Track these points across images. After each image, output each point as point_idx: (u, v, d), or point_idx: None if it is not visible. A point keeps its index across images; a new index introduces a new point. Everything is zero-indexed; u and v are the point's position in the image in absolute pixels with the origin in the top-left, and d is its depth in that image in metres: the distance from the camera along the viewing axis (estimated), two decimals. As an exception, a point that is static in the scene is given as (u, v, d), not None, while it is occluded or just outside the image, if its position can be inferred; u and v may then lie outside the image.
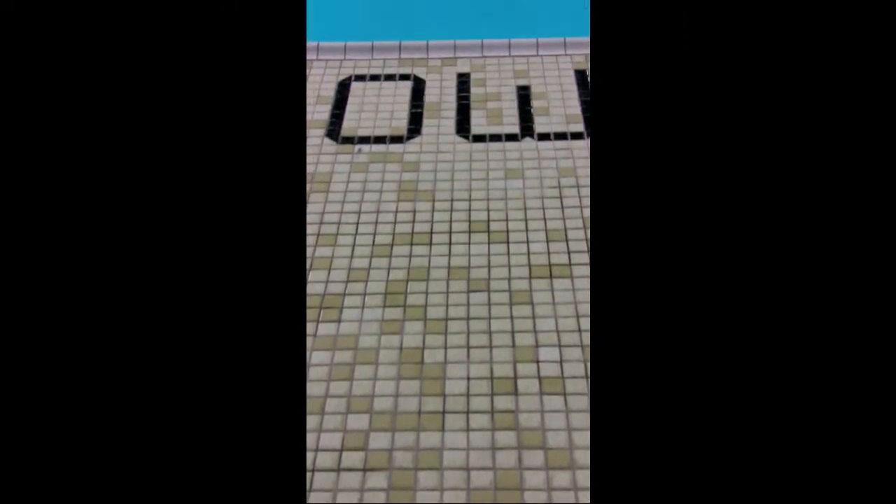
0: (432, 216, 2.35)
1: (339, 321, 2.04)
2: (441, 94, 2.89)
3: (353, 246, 2.26)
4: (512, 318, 2.03)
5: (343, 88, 2.92)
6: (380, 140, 2.67)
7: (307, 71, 3.00)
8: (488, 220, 2.33)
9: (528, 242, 2.25)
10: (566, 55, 3.04)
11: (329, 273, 2.18)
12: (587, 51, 3.01)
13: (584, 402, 1.83)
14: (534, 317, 2.03)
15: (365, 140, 2.67)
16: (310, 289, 2.13)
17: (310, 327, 2.03)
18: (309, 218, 2.35)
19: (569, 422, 1.80)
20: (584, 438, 1.76)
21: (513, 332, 2.00)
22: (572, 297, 2.09)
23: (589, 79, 2.90)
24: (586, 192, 2.39)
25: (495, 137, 2.67)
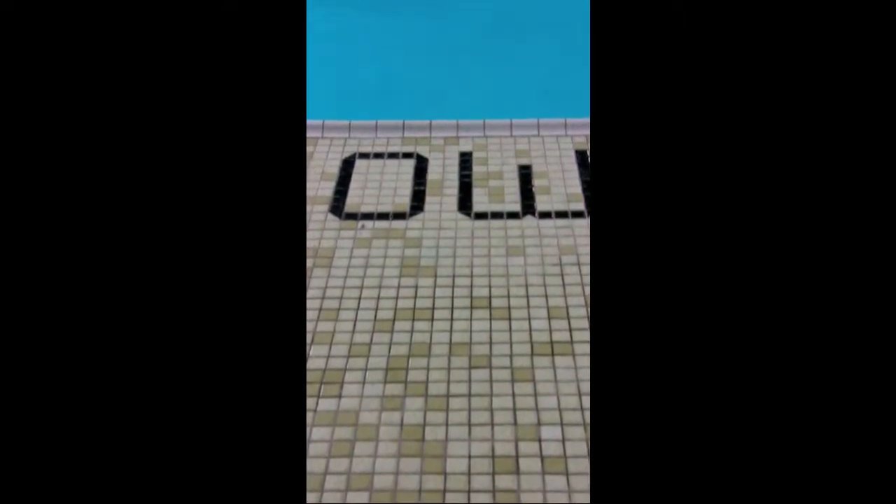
0: (434, 292, 2.36)
1: (339, 397, 2.03)
2: (443, 172, 2.93)
3: (355, 321, 2.26)
4: (514, 395, 2.02)
5: (347, 165, 2.97)
6: (383, 216, 2.70)
7: (313, 148, 3.06)
8: (490, 297, 2.34)
9: (529, 319, 2.25)
10: (566, 136, 3.11)
11: (330, 348, 2.17)
12: (587, 131, 3.08)
13: (586, 482, 1.81)
14: (535, 394, 2.02)
15: (368, 216, 2.70)
16: (311, 364, 2.12)
17: (310, 403, 2.01)
18: (311, 293, 2.36)
19: (571, 502, 1.77)
20: (587, 520, 1.73)
21: (514, 409, 1.98)
22: (574, 374, 2.08)
23: (589, 159, 2.95)
24: (587, 269, 2.41)
25: (497, 215, 2.70)
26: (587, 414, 1.95)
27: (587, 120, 3.08)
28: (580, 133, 3.11)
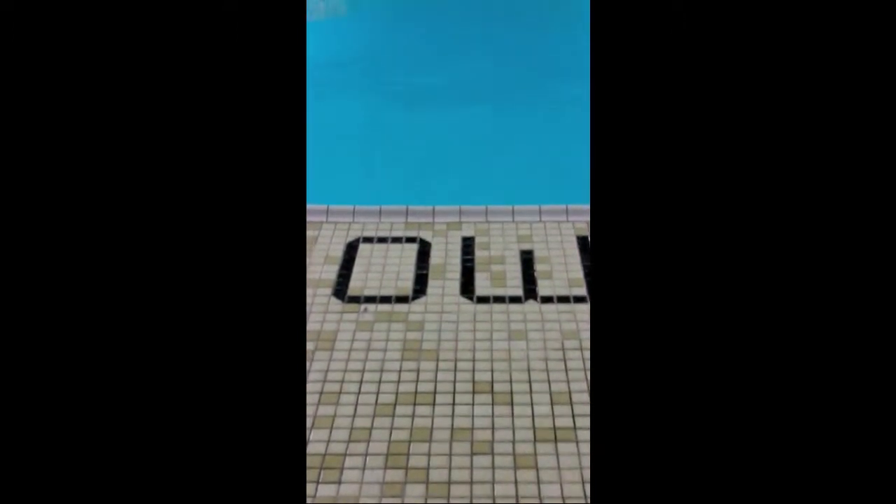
0: (436, 376, 2.35)
1: (339, 482, 2.00)
2: (446, 257, 2.96)
3: (356, 405, 2.24)
4: (516, 482, 1.99)
5: (351, 249, 2.99)
6: (385, 300, 2.71)
7: (317, 232, 3.09)
8: (492, 382, 2.32)
9: (532, 405, 2.23)
10: (568, 221, 3.14)
11: (331, 433, 2.15)
12: (588, 217, 3.11)
13: (591, 573, 1.76)
14: (538, 482, 1.99)
15: (371, 299, 2.71)
16: (310, 448, 2.10)
17: (309, 488, 1.98)
18: (312, 376, 2.35)
19: None
20: None
21: (517, 497, 1.95)
22: (577, 461, 2.05)
23: (590, 245, 2.97)
24: (590, 354, 2.40)
25: (499, 299, 2.71)
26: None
27: (587, 206, 3.12)
28: (581, 219, 3.14)
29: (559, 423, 2.17)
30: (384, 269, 2.88)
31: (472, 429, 2.15)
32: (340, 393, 2.29)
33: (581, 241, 3.02)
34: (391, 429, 2.16)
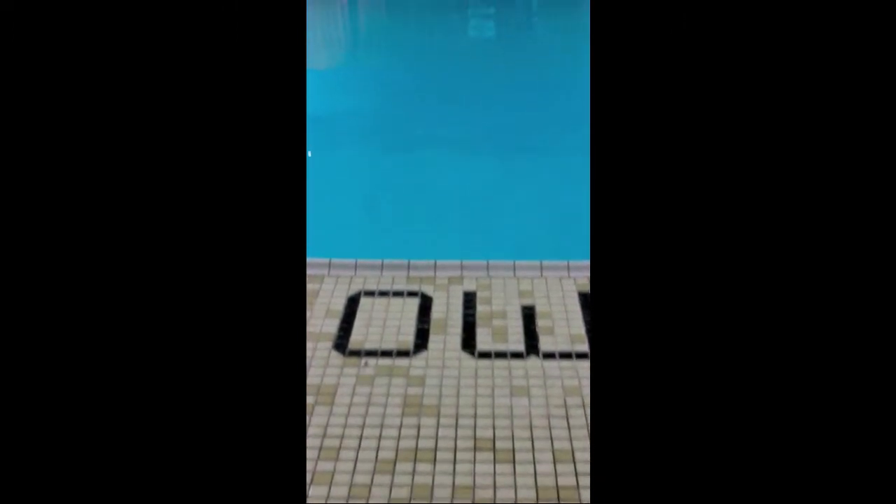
0: (437, 432, 2.32)
1: (338, 541, 1.96)
2: (447, 311, 2.95)
3: (356, 461, 2.21)
4: (518, 542, 1.95)
5: (352, 303, 2.99)
6: (386, 354, 2.70)
7: (319, 286, 3.09)
8: (494, 439, 2.29)
9: (534, 463, 2.21)
10: (569, 277, 3.15)
11: (330, 489, 2.12)
12: (589, 273, 3.11)
13: None
14: (541, 542, 1.95)
15: (372, 353, 2.70)
16: (309, 505, 2.06)
17: (307, 547, 1.94)
18: (312, 431, 2.32)
19: None
20: None
21: (519, 558, 1.91)
22: (580, 521, 2.02)
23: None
24: (592, 412, 2.38)
25: (501, 354, 2.70)
26: (595, 564, 1.88)
27: (588, 262, 3.13)
28: (582, 275, 3.15)
29: (562, 481, 2.14)
30: (385, 323, 2.87)
31: (474, 487, 2.12)
32: (340, 448, 2.26)
33: (582, 297, 3.02)
34: (391, 486, 2.12)
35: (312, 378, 2.55)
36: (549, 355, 2.69)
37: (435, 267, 3.21)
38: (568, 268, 3.18)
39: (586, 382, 2.53)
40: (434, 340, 2.77)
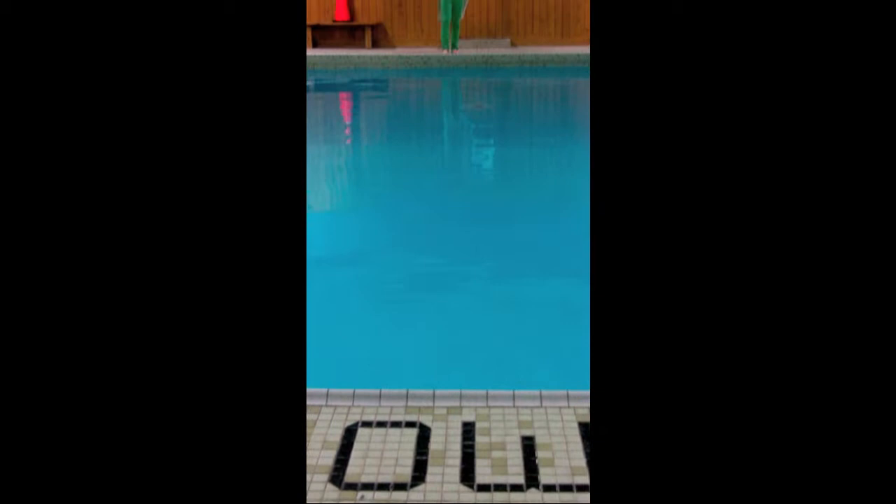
0: (435, 570, 2.24)
1: None
2: (446, 443, 2.91)
3: None
4: None
5: (349, 434, 2.95)
6: (383, 487, 2.64)
7: (316, 416, 3.06)
8: (493, 576, 2.22)
9: None
10: (569, 407, 3.12)
11: None
12: (588, 404, 3.09)
13: None
14: None
15: (368, 486, 2.64)
16: None
17: None
18: (306, 569, 2.24)
19: None
20: None
21: None
22: None
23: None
24: (595, 547, 2.31)
25: (500, 487, 2.64)
26: None
27: (588, 392, 3.11)
28: (582, 405, 3.12)
29: None
30: (382, 455, 2.82)
31: None
32: (334, 588, 2.18)
33: (583, 427, 2.99)
34: None
35: (307, 512, 2.49)
36: (549, 488, 2.63)
37: (433, 396, 3.19)
38: (567, 397, 3.16)
39: (588, 516, 2.46)
40: (432, 472, 2.72)
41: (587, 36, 15.14)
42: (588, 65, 13.07)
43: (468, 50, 14.29)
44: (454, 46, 14.06)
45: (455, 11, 13.65)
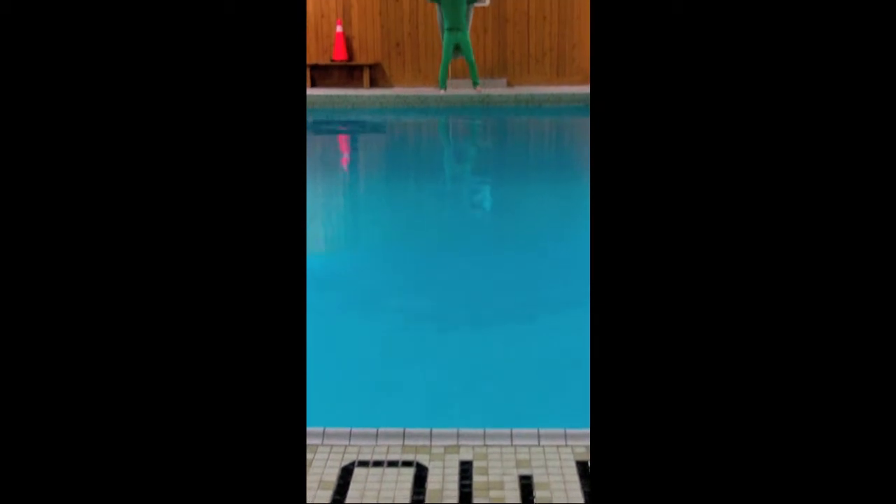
0: None
1: None
2: (443, 482, 2.89)
3: None
4: None
5: (346, 474, 2.93)
6: (380, 528, 2.61)
7: (312, 455, 3.04)
8: None
9: None
10: (567, 446, 3.10)
11: None
12: (587, 442, 3.07)
13: None
14: None
15: (365, 527, 2.61)
16: None
17: None
18: None
19: None
20: None
21: None
22: None
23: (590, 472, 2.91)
24: (594, 589, 2.28)
25: (498, 528, 2.61)
26: None
27: (587, 431, 3.09)
28: (580, 444, 3.10)
29: None
30: (379, 495, 2.80)
31: None
32: None
33: (580, 466, 2.97)
34: None
35: (303, 554, 2.46)
36: (547, 528, 2.60)
37: (430, 435, 3.17)
38: (565, 436, 3.14)
39: (587, 557, 2.44)
40: (429, 513, 2.69)
41: (582, 76, 15.33)
42: (583, 104, 13.22)
43: (465, 90, 14.43)
44: (475, 83, 14.20)
45: (463, 51, 13.79)
